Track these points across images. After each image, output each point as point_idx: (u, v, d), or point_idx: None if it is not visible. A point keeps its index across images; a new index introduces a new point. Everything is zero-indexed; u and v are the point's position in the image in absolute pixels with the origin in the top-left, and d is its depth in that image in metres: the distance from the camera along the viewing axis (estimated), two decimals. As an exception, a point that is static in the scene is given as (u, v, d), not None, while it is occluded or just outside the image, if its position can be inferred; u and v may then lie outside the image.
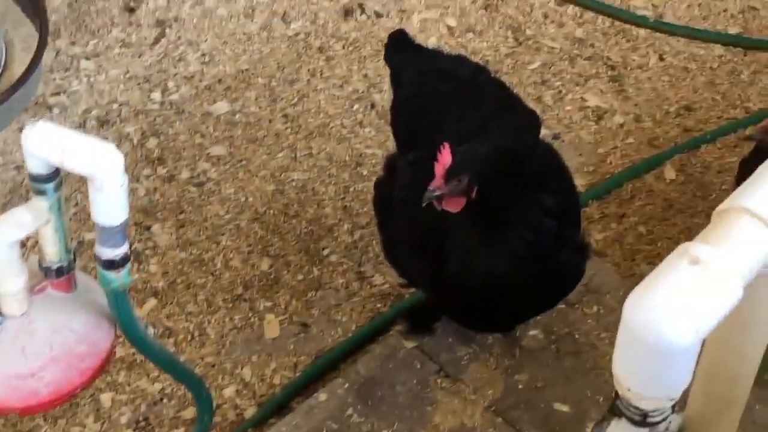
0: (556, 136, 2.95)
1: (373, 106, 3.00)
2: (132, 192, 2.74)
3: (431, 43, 3.17)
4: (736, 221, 1.24)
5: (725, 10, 3.30)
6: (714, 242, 1.21)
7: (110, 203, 1.52)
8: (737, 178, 2.44)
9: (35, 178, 1.56)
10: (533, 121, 2.28)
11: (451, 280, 2.03)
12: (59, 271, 1.67)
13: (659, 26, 3.24)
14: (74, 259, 1.69)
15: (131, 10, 3.19)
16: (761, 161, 1.95)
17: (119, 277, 1.60)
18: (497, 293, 2.02)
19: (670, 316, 1.13)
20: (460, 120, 2.13)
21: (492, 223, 1.97)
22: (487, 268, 1.98)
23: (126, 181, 1.52)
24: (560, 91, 3.07)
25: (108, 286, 1.61)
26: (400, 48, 2.38)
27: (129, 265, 1.61)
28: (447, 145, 1.91)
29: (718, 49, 3.18)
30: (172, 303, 2.54)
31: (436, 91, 2.21)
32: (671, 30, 3.23)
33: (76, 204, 2.70)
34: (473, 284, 2.01)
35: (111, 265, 1.58)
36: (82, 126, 2.89)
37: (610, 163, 2.88)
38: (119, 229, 1.55)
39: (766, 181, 1.29)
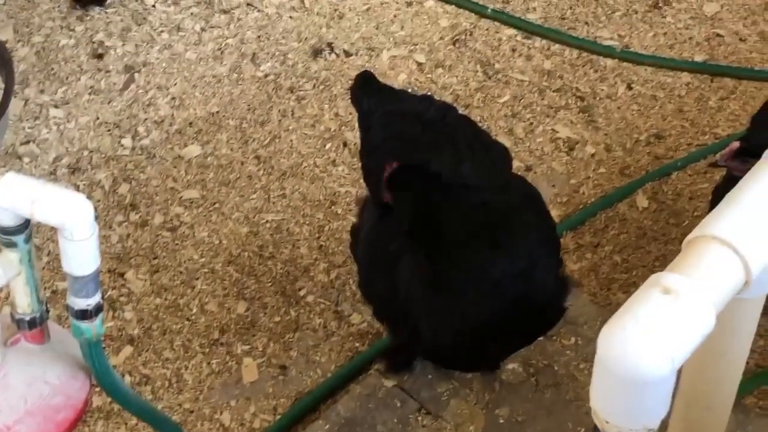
0: (528, 168, 2.96)
1: (345, 144, 3.00)
2: (105, 239, 2.73)
3: (401, 79, 3.19)
4: (706, 249, 1.24)
5: (691, 38, 3.33)
6: (685, 271, 1.21)
7: (81, 253, 1.51)
8: (711, 206, 2.45)
9: (5, 230, 1.55)
10: (505, 156, 2.28)
11: (426, 343, 2.05)
12: (32, 323, 1.66)
13: (626, 56, 3.27)
14: (47, 310, 1.67)
15: (99, 56, 3.19)
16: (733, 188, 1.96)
17: (93, 327, 1.59)
18: (476, 343, 2.03)
19: (644, 347, 1.13)
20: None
21: (450, 280, 1.98)
22: (460, 327, 1.99)
23: (97, 231, 1.51)
24: (531, 123, 3.09)
25: (81, 336, 1.60)
26: (367, 90, 2.38)
27: (102, 314, 1.60)
28: None
29: (686, 77, 3.21)
30: (148, 350, 2.52)
31: (405, 134, 2.21)
32: (638, 59, 3.26)
33: (49, 253, 2.68)
34: (449, 344, 2.03)
35: (84, 315, 1.57)
36: (53, 174, 2.88)
37: (583, 193, 2.89)
38: (91, 278, 1.54)
39: (734, 209, 1.29)
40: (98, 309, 1.57)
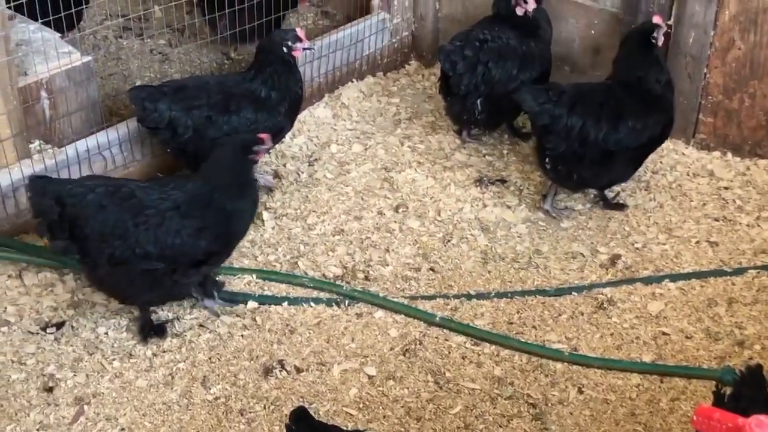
0: (484, 486, 2.91)
1: (294, 467, 2.95)
2: None
3: (353, 394, 3.17)
4: None
5: (638, 338, 3.35)
6: None
7: None
8: None
9: None
10: None
11: None
12: None
13: (575, 359, 3.28)
14: None
15: (49, 390, 3.18)
16: None
17: None
18: None
19: None
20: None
21: None
22: None
23: None
24: (484, 435, 3.06)
25: None
26: (300, 427, 2.39)
27: None
28: None
29: (635, 378, 3.21)
30: None
31: None
32: (587, 362, 3.26)
33: None
34: None
35: None
36: None
37: None
38: None
39: None
40: None
